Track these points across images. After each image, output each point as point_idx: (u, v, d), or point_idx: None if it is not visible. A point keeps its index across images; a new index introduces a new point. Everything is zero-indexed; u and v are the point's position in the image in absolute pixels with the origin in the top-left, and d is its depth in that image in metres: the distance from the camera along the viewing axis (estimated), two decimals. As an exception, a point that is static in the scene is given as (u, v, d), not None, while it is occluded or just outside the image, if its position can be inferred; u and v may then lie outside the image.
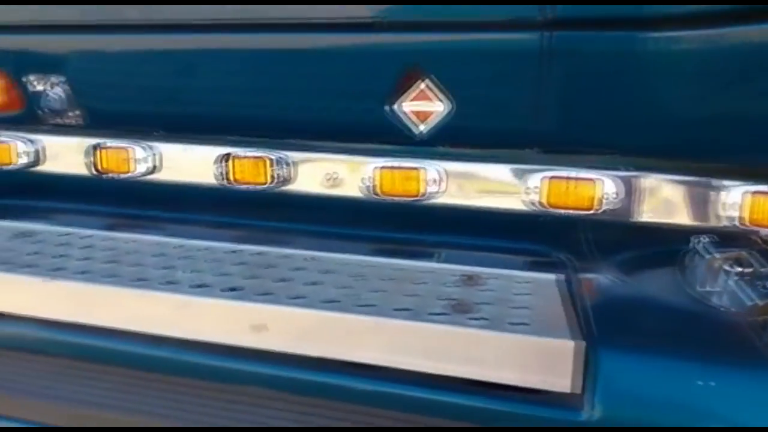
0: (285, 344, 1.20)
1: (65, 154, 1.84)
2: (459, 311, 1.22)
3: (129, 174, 1.79)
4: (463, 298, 1.25)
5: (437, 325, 1.16)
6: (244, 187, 1.70)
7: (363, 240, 1.59)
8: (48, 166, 1.87)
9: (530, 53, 1.37)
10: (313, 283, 1.29)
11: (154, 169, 1.79)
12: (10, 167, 1.89)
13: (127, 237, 1.55)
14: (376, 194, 1.59)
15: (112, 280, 1.29)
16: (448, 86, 1.47)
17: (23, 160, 1.87)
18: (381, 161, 1.59)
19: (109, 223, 1.74)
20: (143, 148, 1.78)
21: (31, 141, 1.87)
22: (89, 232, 1.58)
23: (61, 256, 1.44)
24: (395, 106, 1.51)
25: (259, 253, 1.47)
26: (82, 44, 1.63)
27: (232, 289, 1.28)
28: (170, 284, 1.29)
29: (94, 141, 1.80)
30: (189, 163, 1.75)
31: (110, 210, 1.79)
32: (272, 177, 1.69)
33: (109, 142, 1.79)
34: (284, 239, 1.63)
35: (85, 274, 1.32)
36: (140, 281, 1.29)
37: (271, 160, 1.68)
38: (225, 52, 1.56)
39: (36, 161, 1.87)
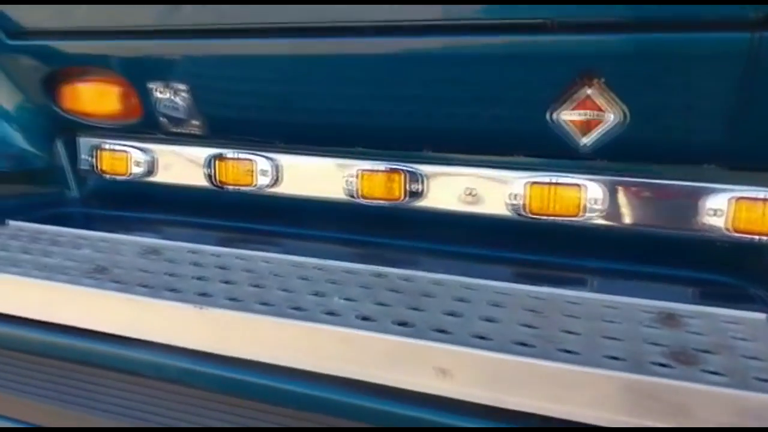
0: (472, 393, 0.87)
1: (182, 165, 1.49)
2: (683, 362, 0.87)
3: (251, 187, 1.48)
4: (677, 343, 0.85)
5: (671, 381, 0.79)
6: (374, 202, 1.38)
7: (510, 264, 1.20)
8: (162, 177, 1.50)
9: (735, 56, 1.03)
10: (489, 320, 0.94)
11: (275, 182, 1.49)
12: (124, 177, 1.59)
13: (261, 256, 1.15)
14: (525, 213, 1.27)
15: (269, 309, 0.92)
16: (621, 93, 1.12)
17: (138, 170, 1.53)
18: (533, 176, 1.26)
19: (231, 239, 1.36)
20: (265, 159, 1.48)
21: (147, 150, 1.51)
22: (219, 249, 1.18)
23: (199, 278, 1.05)
24: (555, 115, 1.17)
25: (407, 279, 1.06)
26: (208, 49, 1.24)
27: (402, 324, 0.95)
28: (332, 315, 0.90)
29: (213, 151, 1.49)
30: (313, 175, 1.39)
31: (228, 224, 1.41)
32: (405, 192, 1.37)
33: (231, 153, 1.49)
34: (420, 261, 1.27)
35: (237, 302, 0.94)
36: (298, 310, 0.92)
37: (404, 173, 1.36)
38: (365, 57, 1.20)
39: (150, 171, 1.52)
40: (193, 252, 1.21)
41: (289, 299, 0.96)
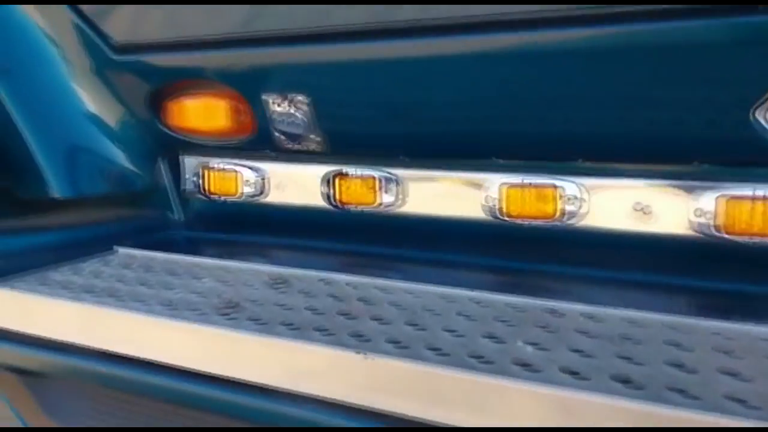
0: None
1: (297, 184, 1.34)
2: None
3: (373, 206, 1.35)
4: None
5: None
6: (520, 222, 1.21)
7: (702, 294, 1.04)
8: (275, 198, 1.36)
9: None
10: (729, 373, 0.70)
11: (401, 201, 1.34)
12: (233, 198, 1.47)
13: (402, 286, 0.99)
14: (720, 233, 1.07)
15: (445, 358, 0.74)
16: None
17: (248, 191, 1.40)
18: (729, 188, 1.07)
19: (354, 264, 1.21)
20: (388, 176, 1.34)
21: (258, 169, 1.38)
22: (353, 278, 1.03)
23: (344, 314, 0.89)
24: (760, 115, 0.99)
25: (592, 317, 0.87)
26: (333, 54, 1.09)
27: (625, 381, 0.78)
28: (526, 367, 0.71)
29: (332, 168, 1.36)
30: (444, 193, 1.24)
31: (349, 247, 1.27)
32: (560, 211, 1.20)
33: (352, 170, 1.36)
34: (586, 290, 1.11)
35: (402, 347, 0.77)
36: (481, 360, 0.73)
37: (559, 189, 1.19)
38: (517, 54, 1.05)
39: (261, 192, 1.40)
40: (326, 282, 1.06)
41: (461, 344, 0.79)
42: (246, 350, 0.85)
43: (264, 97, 1.22)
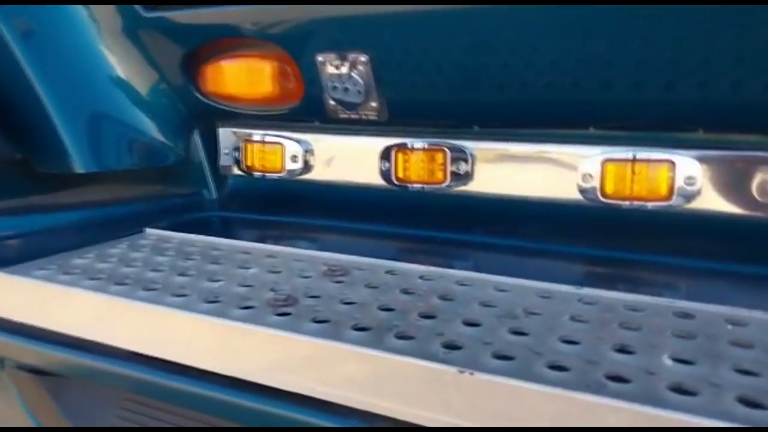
0: None
1: (350, 159, 1.14)
2: None
3: (441, 185, 1.17)
4: None
5: None
6: (628, 204, 1.03)
7: None
8: (324, 174, 1.18)
9: None
10: None
11: (471, 179, 1.16)
12: (277, 175, 1.30)
13: (488, 280, 0.81)
14: None
15: (575, 379, 0.56)
16: None
17: (294, 166, 1.21)
18: None
19: (418, 251, 1.01)
20: (459, 150, 1.15)
21: (305, 142, 1.20)
22: (424, 269, 0.85)
23: (426, 316, 0.70)
24: None
25: (741, 323, 0.68)
26: (401, 5, 0.99)
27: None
28: (691, 395, 0.54)
29: (393, 141, 1.19)
30: (525, 169, 1.08)
31: (409, 232, 1.10)
32: (673, 189, 1.00)
33: (416, 143, 1.18)
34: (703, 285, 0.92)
35: (514, 363, 0.59)
36: (621, 383, 0.55)
37: (674, 164, 1.00)
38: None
39: (309, 167, 1.20)
40: (393, 272, 0.89)
41: (586, 359, 0.63)
42: (311, 359, 0.68)
43: (316, 57, 1.05)
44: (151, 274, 0.89)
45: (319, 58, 1.04)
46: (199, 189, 1.29)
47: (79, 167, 1.13)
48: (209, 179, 1.28)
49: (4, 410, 0.92)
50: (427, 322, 0.72)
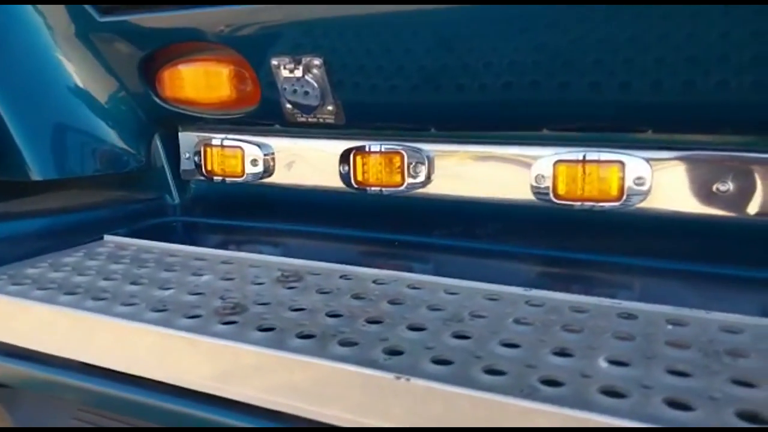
0: None
1: (309, 163, 1.15)
2: None
3: (399, 187, 1.16)
4: None
5: None
6: (579, 205, 1.02)
7: None
8: (284, 178, 1.17)
9: None
10: None
11: (428, 181, 1.16)
12: (237, 179, 1.28)
13: (440, 283, 0.80)
14: None
15: (507, 384, 0.56)
16: None
17: (254, 170, 1.20)
18: None
19: (376, 254, 1.02)
20: (416, 153, 1.15)
21: (264, 146, 1.18)
22: (378, 272, 0.84)
23: (373, 321, 0.70)
24: None
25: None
26: (353, 9, 0.95)
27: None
28: (623, 399, 0.53)
29: (351, 144, 1.17)
30: (481, 171, 1.09)
31: (368, 234, 1.07)
32: (624, 190, 1.00)
33: (375, 146, 1.18)
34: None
35: (454, 369, 0.58)
36: (556, 388, 0.55)
37: (623, 164, 0.99)
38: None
39: (268, 171, 1.19)
40: (347, 277, 0.89)
41: (525, 363, 0.63)
42: (253, 368, 0.68)
43: (271, 60, 1.04)
44: (103, 283, 0.88)
45: (274, 61, 1.03)
46: (161, 194, 1.28)
47: (36, 174, 1.11)
48: (171, 184, 1.27)
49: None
50: (373, 327, 0.71)
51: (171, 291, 0.84)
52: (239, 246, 1.04)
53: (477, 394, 0.56)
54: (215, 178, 1.21)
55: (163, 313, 0.76)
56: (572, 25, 0.83)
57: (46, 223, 1.17)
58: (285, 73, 1.03)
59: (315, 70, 1.01)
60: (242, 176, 1.17)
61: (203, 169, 1.23)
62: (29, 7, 1.15)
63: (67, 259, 0.99)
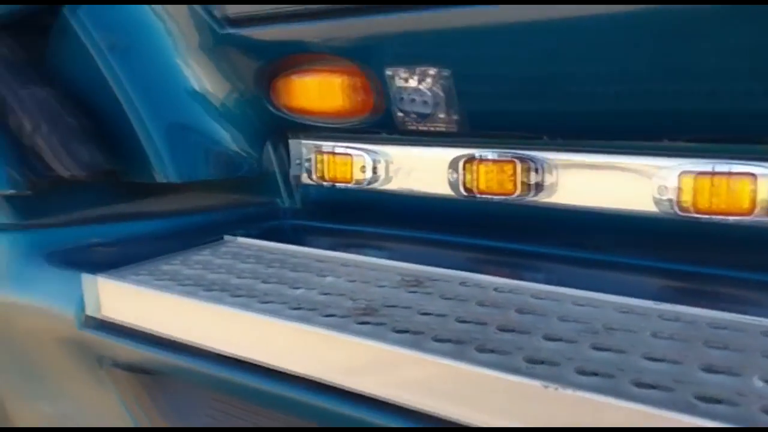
0: None
1: (419, 169, 1.14)
2: None
3: (511, 196, 1.17)
4: None
5: None
6: (716, 218, 1.00)
7: None
8: (393, 184, 1.17)
9: None
10: None
11: (542, 190, 1.16)
12: (346, 185, 1.32)
13: (565, 294, 0.80)
14: None
15: (666, 398, 0.55)
16: None
17: (363, 176, 1.21)
18: None
19: (492, 263, 1.03)
20: (530, 161, 1.16)
21: (374, 153, 1.20)
22: (499, 281, 0.86)
23: (505, 329, 0.71)
24: None
25: None
26: (475, 18, 0.92)
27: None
28: None
29: (462, 152, 1.17)
30: (599, 181, 1.08)
31: (479, 243, 1.08)
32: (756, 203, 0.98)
33: (487, 153, 1.18)
34: None
35: (604, 380, 0.58)
36: (718, 405, 0.54)
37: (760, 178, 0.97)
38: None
39: (378, 177, 1.20)
40: (467, 284, 0.91)
41: (673, 376, 0.62)
42: (393, 367, 0.71)
43: (388, 71, 1.07)
44: (236, 281, 0.93)
45: (389, 72, 1.07)
46: (272, 198, 1.34)
47: (162, 177, 1.19)
48: (281, 188, 1.33)
49: (102, 406, 0.99)
50: (507, 335, 0.73)
51: (300, 291, 0.88)
52: (353, 249, 1.08)
53: (633, 406, 0.56)
54: (324, 183, 1.25)
55: (300, 311, 0.81)
56: (688, 32, 0.81)
57: (169, 223, 1.25)
58: (400, 82, 1.06)
59: (430, 80, 1.03)
60: (351, 182, 1.21)
61: (313, 175, 1.28)
62: (158, 18, 1.23)
63: (196, 257, 1.06)
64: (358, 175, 1.22)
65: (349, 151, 1.22)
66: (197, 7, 1.19)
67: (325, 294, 0.87)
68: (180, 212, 1.29)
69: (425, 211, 1.14)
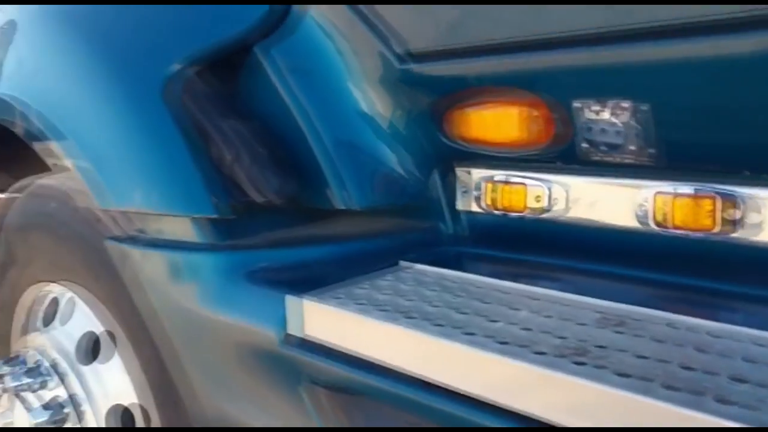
0: None
1: (601, 199, 1.15)
2: None
3: (707, 232, 1.13)
4: None
5: None
6: None
7: None
8: (570, 215, 1.17)
9: None
10: None
11: (740, 226, 1.11)
12: (519, 214, 1.32)
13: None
14: None
15: None
16: None
17: (538, 205, 1.22)
18: None
19: (689, 303, 1.02)
20: (727, 195, 1.11)
21: (551, 183, 1.24)
22: (712, 325, 0.83)
23: (737, 378, 0.69)
24: None
25: None
26: (681, 52, 0.93)
27: None
28: None
29: (651, 184, 1.14)
30: None
31: (669, 279, 1.07)
32: None
33: (680, 187, 1.15)
34: None
35: None
36: None
37: None
38: None
39: (554, 207, 1.21)
40: (673, 325, 0.88)
41: None
42: (620, 413, 0.70)
43: (576, 103, 1.07)
44: (431, 309, 0.97)
45: (577, 104, 1.07)
46: (435, 224, 1.38)
47: (344, 204, 1.27)
48: (446, 215, 1.36)
49: (295, 420, 1.06)
50: (744, 386, 0.69)
51: (500, 324, 0.90)
52: (533, 281, 1.08)
53: None
54: (495, 211, 1.27)
55: (508, 346, 0.82)
56: None
57: (343, 248, 1.32)
58: (590, 114, 1.05)
59: (625, 112, 1.02)
60: (525, 211, 1.22)
61: (482, 202, 1.30)
62: (340, 53, 1.31)
63: (382, 282, 1.12)
64: (532, 203, 1.22)
65: (524, 180, 1.23)
66: (378, 42, 1.27)
67: (527, 329, 0.88)
68: (351, 237, 1.36)
69: (606, 243, 1.12)
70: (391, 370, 0.90)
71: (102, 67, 1.37)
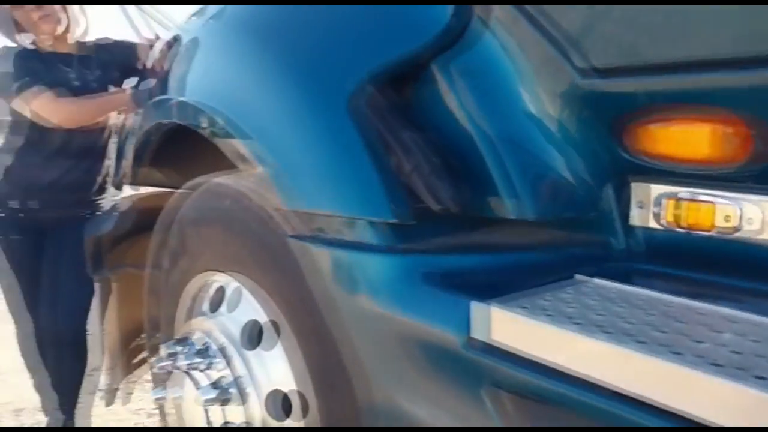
0: None
1: None
2: None
3: None
4: None
5: None
6: None
7: None
8: (762, 235, 1.15)
9: None
10: None
11: None
12: (707, 233, 1.33)
13: None
14: None
15: None
16: None
17: (727, 224, 1.21)
18: None
19: None
20: None
21: (744, 201, 1.18)
22: None
23: None
24: None
25: None
26: None
27: None
28: None
29: None
30: None
31: None
32: None
33: None
34: None
35: None
36: None
37: None
38: None
39: (746, 227, 1.18)
40: None
41: None
42: None
43: (781, 121, 1.04)
44: (625, 325, 0.98)
45: (783, 122, 1.03)
46: (605, 238, 1.37)
47: (517, 214, 1.31)
48: (618, 230, 1.36)
49: (475, 421, 1.11)
50: None
51: (706, 345, 0.90)
52: (723, 302, 1.05)
53: None
54: (678, 229, 1.25)
55: (722, 368, 0.82)
56: None
57: (514, 258, 1.36)
58: (799, 134, 1.02)
59: None
60: (712, 230, 1.19)
61: (662, 219, 1.28)
62: (515, 65, 1.35)
63: (564, 295, 1.14)
64: (721, 223, 1.19)
65: (712, 198, 1.20)
66: (559, 56, 1.29)
67: (737, 353, 0.87)
68: (521, 247, 1.39)
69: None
70: (587, 381, 0.93)
71: (294, 82, 1.52)
